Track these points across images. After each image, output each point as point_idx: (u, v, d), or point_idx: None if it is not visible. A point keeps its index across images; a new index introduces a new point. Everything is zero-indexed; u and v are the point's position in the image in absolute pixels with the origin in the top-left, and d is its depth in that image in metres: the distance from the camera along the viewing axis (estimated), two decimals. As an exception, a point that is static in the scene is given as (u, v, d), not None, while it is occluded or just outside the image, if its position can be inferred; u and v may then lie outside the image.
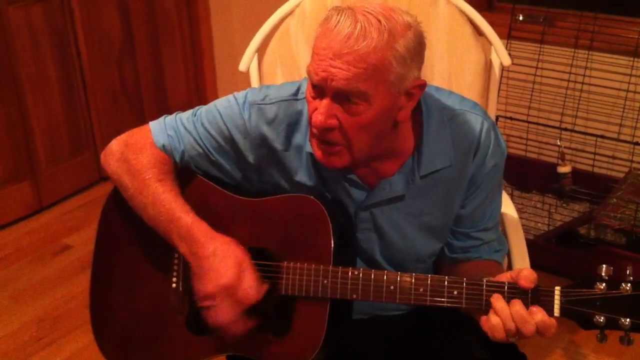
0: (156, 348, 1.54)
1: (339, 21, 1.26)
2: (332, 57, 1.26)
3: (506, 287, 1.30)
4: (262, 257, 1.44)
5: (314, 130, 1.34)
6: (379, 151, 1.41)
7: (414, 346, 1.59)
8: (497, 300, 1.29)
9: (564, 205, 3.11)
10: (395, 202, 1.47)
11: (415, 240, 1.51)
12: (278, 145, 1.47)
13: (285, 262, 1.41)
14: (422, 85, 1.35)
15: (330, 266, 1.38)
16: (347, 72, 1.25)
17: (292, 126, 1.46)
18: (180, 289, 1.52)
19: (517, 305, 1.27)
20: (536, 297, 1.28)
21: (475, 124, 1.46)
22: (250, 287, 1.38)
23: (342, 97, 1.29)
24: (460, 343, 1.51)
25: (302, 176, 1.48)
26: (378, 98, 1.29)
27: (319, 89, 1.31)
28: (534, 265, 1.76)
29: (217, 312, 1.38)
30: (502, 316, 1.27)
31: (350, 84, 1.26)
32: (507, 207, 1.94)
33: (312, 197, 1.42)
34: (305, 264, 1.39)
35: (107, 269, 1.59)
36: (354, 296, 1.37)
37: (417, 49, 1.30)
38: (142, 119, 1.56)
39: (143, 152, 1.49)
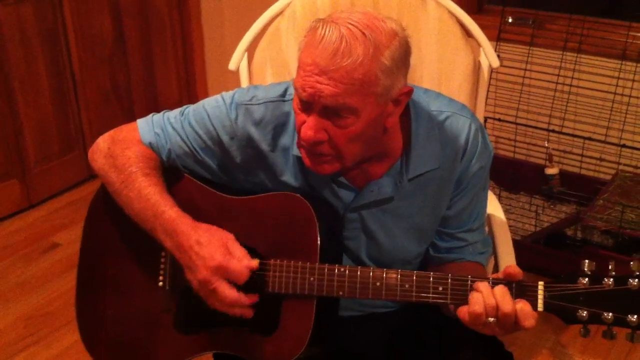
0: (144, 346, 1.54)
1: (323, 36, 1.25)
2: (319, 73, 1.26)
3: (490, 281, 1.30)
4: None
5: (303, 143, 1.35)
6: (369, 155, 1.41)
7: (403, 343, 1.60)
8: (480, 283, 1.29)
9: (552, 206, 3.13)
10: (383, 204, 1.48)
11: (403, 242, 1.51)
12: (264, 146, 1.47)
13: (272, 260, 1.41)
14: (409, 92, 1.35)
15: (317, 264, 1.39)
16: (335, 88, 1.25)
17: (279, 127, 1.47)
18: (167, 287, 1.52)
19: (500, 285, 1.28)
20: (520, 291, 1.29)
21: (463, 126, 1.47)
22: (240, 260, 1.38)
23: (330, 111, 1.29)
24: (448, 340, 1.52)
25: (288, 177, 1.48)
26: (366, 110, 1.29)
27: (307, 104, 1.31)
28: (520, 266, 1.75)
29: (217, 295, 1.37)
30: (483, 292, 1.28)
31: (337, 100, 1.26)
32: (495, 208, 1.95)
33: (299, 195, 1.42)
34: (292, 262, 1.40)
35: (94, 268, 1.59)
36: (341, 293, 1.38)
37: (403, 57, 1.31)
38: (132, 118, 1.56)
39: (130, 147, 1.50)
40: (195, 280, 1.39)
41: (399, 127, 1.43)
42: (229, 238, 1.40)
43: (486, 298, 1.27)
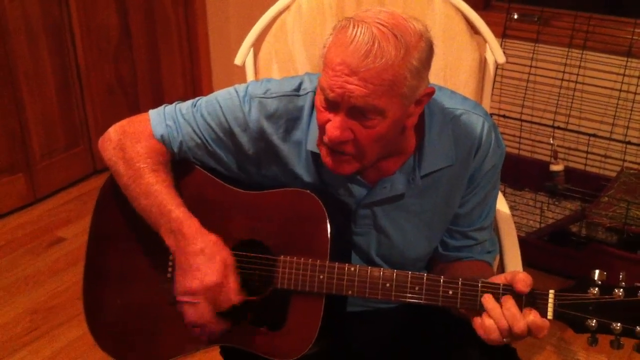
0: (151, 338, 1.54)
1: (355, 36, 1.24)
2: (349, 73, 1.25)
3: (501, 289, 1.30)
4: (258, 251, 1.44)
5: (326, 141, 1.34)
6: (386, 153, 1.42)
7: (408, 338, 1.60)
8: (489, 301, 1.29)
9: (556, 203, 3.13)
10: (395, 200, 1.47)
11: (414, 239, 1.51)
12: (277, 139, 1.47)
13: (282, 256, 1.41)
14: (431, 92, 1.35)
15: (327, 262, 1.39)
16: (364, 89, 1.25)
17: (292, 122, 1.46)
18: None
19: (509, 302, 1.28)
20: (530, 300, 1.29)
21: (476, 124, 1.47)
22: (232, 290, 1.40)
23: (357, 112, 1.29)
24: (453, 337, 1.52)
25: (301, 171, 1.48)
26: (392, 111, 1.29)
27: (333, 104, 1.30)
28: (525, 262, 1.77)
29: (195, 310, 1.40)
30: (494, 316, 1.28)
31: (367, 100, 1.26)
32: (500, 204, 1.95)
33: (309, 191, 1.43)
34: (302, 259, 1.40)
35: (101, 259, 1.60)
36: (350, 292, 1.38)
37: (429, 58, 1.31)
38: (137, 113, 1.55)
39: (140, 141, 1.50)
40: (184, 286, 1.40)
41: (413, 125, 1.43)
42: (230, 262, 1.41)
43: (498, 322, 1.27)
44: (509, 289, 1.30)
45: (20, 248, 3.14)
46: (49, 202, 3.49)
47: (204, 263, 1.38)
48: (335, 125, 1.30)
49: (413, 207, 1.48)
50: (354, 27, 1.25)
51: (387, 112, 1.29)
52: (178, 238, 1.41)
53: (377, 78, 1.24)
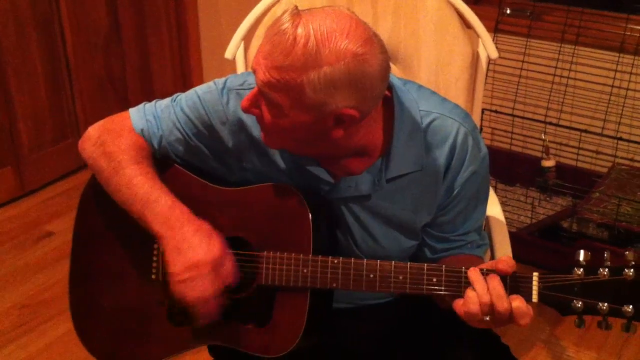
0: (137, 338, 1.53)
1: (283, 27, 1.23)
2: (261, 54, 1.26)
3: (485, 271, 1.29)
4: (242, 247, 1.43)
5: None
6: (327, 154, 1.40)
7: (396, 336, 1.60)
8: (474, 274, 1.28)
9: (547, 199, 3.13)
10: (361, 200, 1.46)
11: (380, 237, 1.49)
12: (255, 131, 1.45)
13: (265, 252, 1.40)
14: (351, 116, 1.29)
15: (310, 255, 1.38)
16: (263, 75, 1.26)
17: None
18: (161, 279, 1.51)
19: (495, 281, 1.26)
20: (514, 283, 1.27)
21: (450, 129, 1.42)
22: (233, 266, 1.39)
23: (261, 94, 1.30)
24: (443, 334, 1.51)
25: (280, 163, 1.47)
26: (292, 112, 1.28)
27: None
28: (515, 258, 1.75)
29: (198, 284, 1.36)
30: (478, 289, 1.26)
31: (263, 86, 1.27)
32: (491, 201, 1.94)
33: (291, 186, 1.41)
34: (285, 254, 1.39)
35: (86, 259, 1.58)
36: (334, 285, 1.37)
37: (348, 81, 1.24)
38: (126, 106, 1.55)
39: (121, 136, 1.49)
40: (184, 262, 1.37)
41: (380, 126, 1.40)
42: (224, 245, 1.40)
43: (481, 297, 1.25)
44: (492, 272, 1.28)
45: (8, 242, 3.12)
46: (37, 196, 3.47)
47: (204, 239, 1.37)
48: (248, 96, 1.33)
49: (379, 209, 1.46)
50: (291, 20, 1.24)
51: (285, 110, 1.28)
52: (170, 222, 1.39)
53: (276, 73, 1.24)
